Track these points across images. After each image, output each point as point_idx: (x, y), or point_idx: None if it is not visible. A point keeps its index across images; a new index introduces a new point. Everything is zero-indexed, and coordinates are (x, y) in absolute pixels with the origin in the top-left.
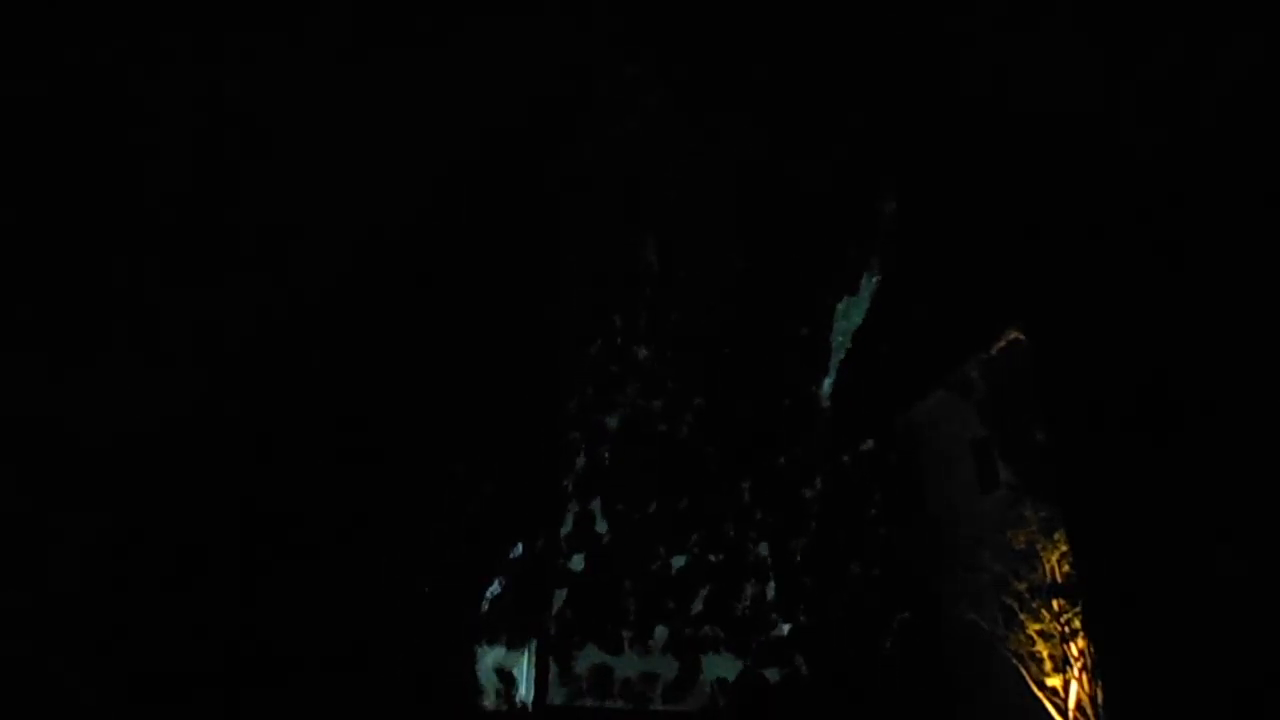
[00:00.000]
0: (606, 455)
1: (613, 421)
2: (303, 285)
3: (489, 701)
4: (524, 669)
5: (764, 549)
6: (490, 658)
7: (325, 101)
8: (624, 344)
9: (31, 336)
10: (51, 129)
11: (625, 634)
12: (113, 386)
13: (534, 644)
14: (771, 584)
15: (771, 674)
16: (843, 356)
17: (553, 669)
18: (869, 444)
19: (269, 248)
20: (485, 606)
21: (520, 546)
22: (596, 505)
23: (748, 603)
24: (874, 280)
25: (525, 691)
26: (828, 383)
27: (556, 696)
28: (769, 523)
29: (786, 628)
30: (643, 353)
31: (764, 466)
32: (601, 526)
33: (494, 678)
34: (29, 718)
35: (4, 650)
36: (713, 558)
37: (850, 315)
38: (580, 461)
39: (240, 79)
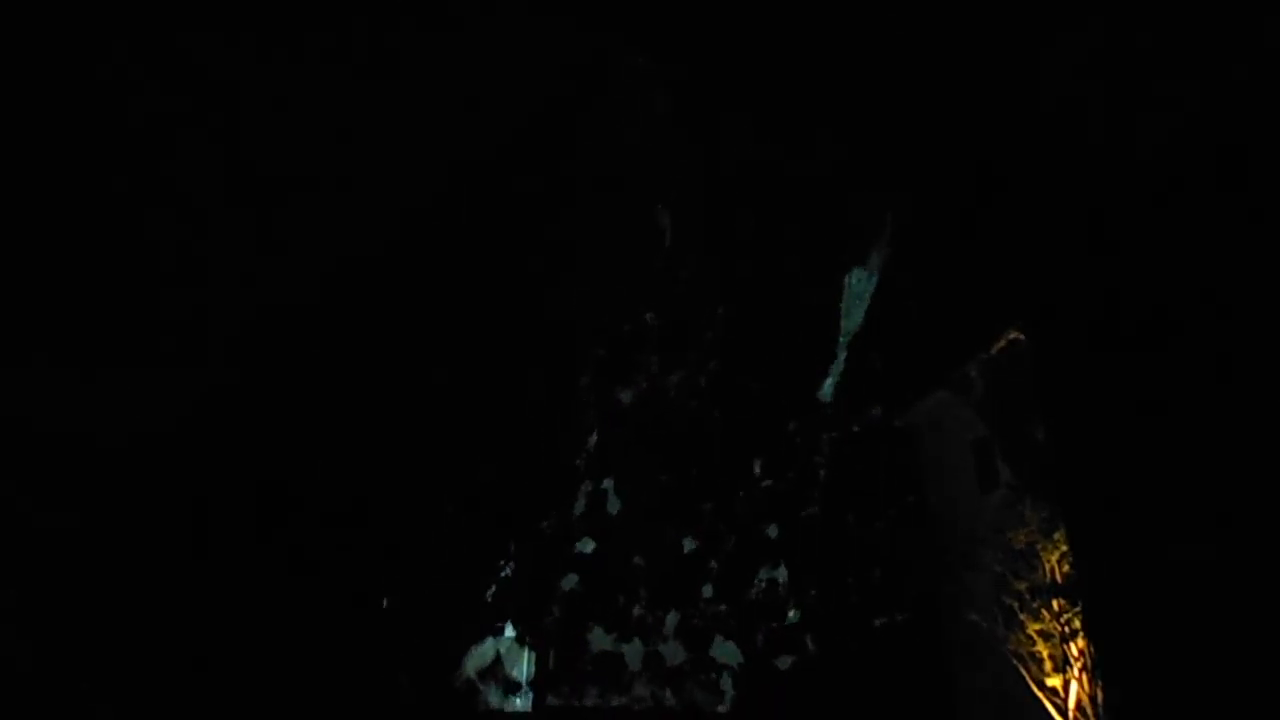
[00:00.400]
0: (618, 429)
1: (626, 396)
2: (303, 283)
3: (493, 699)
4: (523, 667)
5: (773, 531)
6: (489, 651)
7: (324, 101)
8: (636, 309)
9: (32, 338)
10: (53, 132)
11: (637, 609)
12: (113, 387)
13: (529, 648)
14: (782, 568)
15: (781, 662)
16: (844, 356)
17: (552, 663)
18: (876, 410)
19: (269, 248)
20: (491, 590)
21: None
22: (609, 484)
23: (762, 585)
24: (873, 280)
25: (523, 690)
26: (829, 382)
27: (557, 694)
28: (779, 491)
29: (793, 614)
30: (650, 316)
31: (772, 431)
32: (614, 506)
33: (492, 676)
34: (29, 718)
35: (4, 650)
36: (725, 549)
37: (851, 315)
38: (592, 440)
39: (238, 79)
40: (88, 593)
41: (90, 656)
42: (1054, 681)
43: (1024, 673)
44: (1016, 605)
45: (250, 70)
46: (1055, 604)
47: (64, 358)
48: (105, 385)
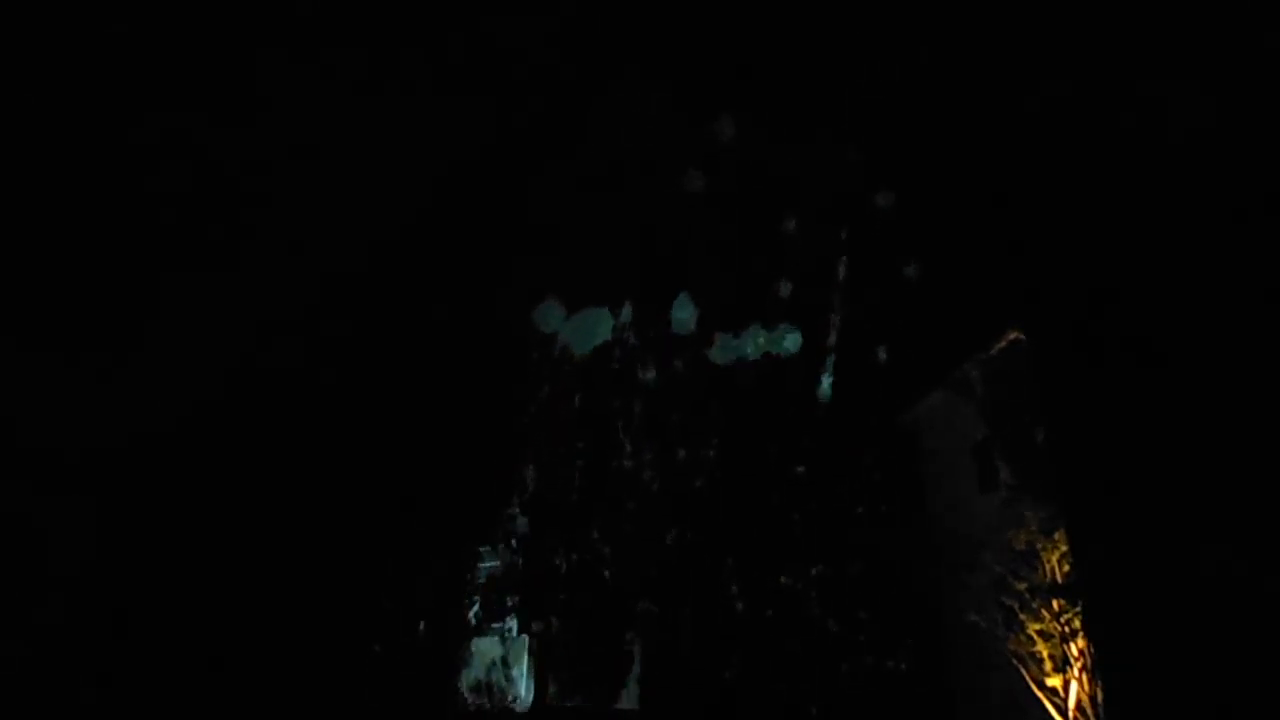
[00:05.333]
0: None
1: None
2: (303, 285)
3: (486, 702)
4: (523, 667)
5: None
6: (489, 651)
7: (321, 104)
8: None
9: (33, 338)
10: (55, 132)
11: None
12: (112, 387)
13: (528, 640)
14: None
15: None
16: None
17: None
18: (876, 410)
19: (268, 250)
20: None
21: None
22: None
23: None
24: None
25: (524, 690)
26: (828, 382)
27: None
28: (777, 490)
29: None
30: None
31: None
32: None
33: (495, 672)
34: (29, 718)
35: (4, 650)
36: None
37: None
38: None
39: (237, 81)
40: (87, 593)
41: (90, 656)
42: (1054, 681)
43: (1024, 673)
44: (1016, 605)
45: (247, 72)
46: (1055, 604)
47: (63, 358)
48: (105, 385)
